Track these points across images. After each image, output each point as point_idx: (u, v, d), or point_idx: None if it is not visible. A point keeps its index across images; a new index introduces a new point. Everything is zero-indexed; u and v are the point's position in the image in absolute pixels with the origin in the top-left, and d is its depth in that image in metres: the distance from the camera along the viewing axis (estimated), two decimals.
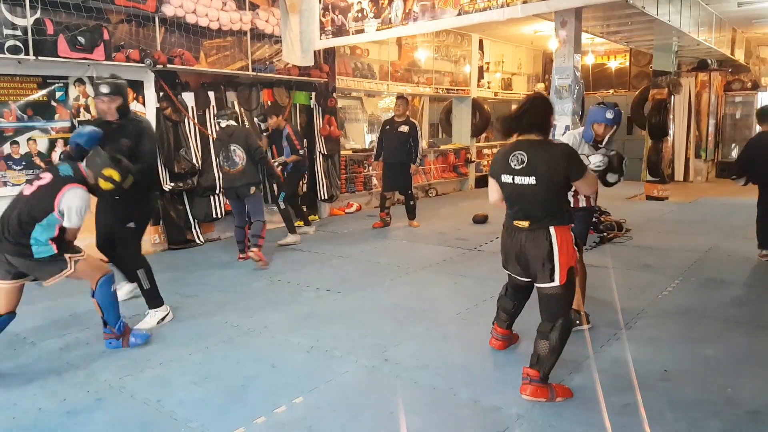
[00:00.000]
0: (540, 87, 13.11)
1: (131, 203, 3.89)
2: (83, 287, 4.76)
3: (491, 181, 3.06)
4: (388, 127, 7.36)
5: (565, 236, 2.84)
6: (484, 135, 12.16)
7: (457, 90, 10.83)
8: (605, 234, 6.44)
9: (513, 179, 2.85)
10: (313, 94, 7.87)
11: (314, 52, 7.39)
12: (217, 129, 5.92)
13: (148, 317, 4.01)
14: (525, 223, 2.86)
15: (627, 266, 5.35)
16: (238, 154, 5.47)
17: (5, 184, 5.09)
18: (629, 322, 3.88)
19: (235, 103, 6.94)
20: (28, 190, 3.35)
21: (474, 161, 11.35)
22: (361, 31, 6.87)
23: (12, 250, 3.23)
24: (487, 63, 11.79)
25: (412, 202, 7.49)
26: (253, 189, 5.54)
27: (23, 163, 5.18)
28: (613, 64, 12.64)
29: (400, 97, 7.61)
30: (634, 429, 2.60)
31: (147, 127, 4.05)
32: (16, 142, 5.15)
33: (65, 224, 3.30)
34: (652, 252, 5.92)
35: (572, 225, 2.93)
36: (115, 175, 3.39)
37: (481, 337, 3.63)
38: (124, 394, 3.01)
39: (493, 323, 3.51)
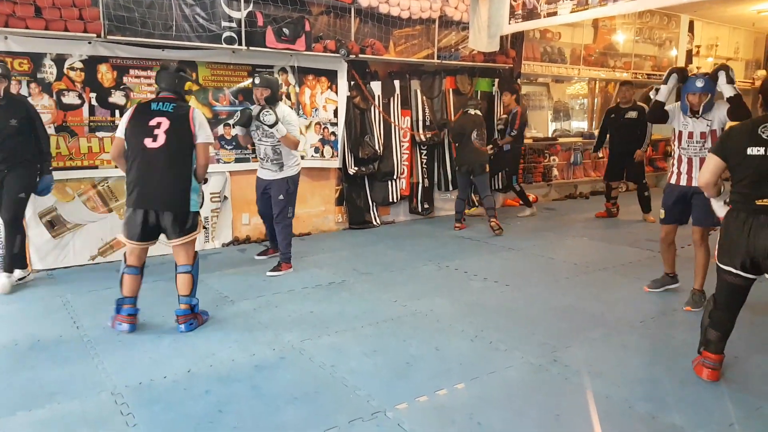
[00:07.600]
0: (761, 74, 11.27)
1: None
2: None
3: (715, 159, 2.88)
4: (613, 115, 7.15)
5: None
6: None
7: (659, 75, 9.77)
8: None
9: (766, 151, 2.68)
10: (496, 80, 7.71)
11: (501, 37, 7.22)
12: (462, 114, 6.66)
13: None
14: None
15: None
16: (479, 139, 6.42)
17: (218, 161, 5.80)
18: None
19: (418, 91, 7.08)
20: (157, 142, 3.42)
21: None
22: (554, 13, 6.50)
23: (167, 204, 3.46)
24: (698, 46, 10.42)
25: (646, 193, 7.08)
26: (486, 168, 6.43)
27: (233, 143, 5.83)
28: None
29: (624, 83, 7.32)
30: None
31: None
32: (228, 124, 5.78)
33: (201, 140, 3.50)
34: None
35: None
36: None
37: (666, 349, 3.26)
38: (303, 356, 3.28)
39: (700, 350, 3.02)
